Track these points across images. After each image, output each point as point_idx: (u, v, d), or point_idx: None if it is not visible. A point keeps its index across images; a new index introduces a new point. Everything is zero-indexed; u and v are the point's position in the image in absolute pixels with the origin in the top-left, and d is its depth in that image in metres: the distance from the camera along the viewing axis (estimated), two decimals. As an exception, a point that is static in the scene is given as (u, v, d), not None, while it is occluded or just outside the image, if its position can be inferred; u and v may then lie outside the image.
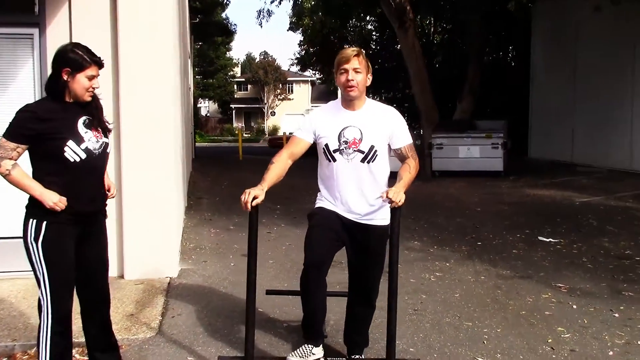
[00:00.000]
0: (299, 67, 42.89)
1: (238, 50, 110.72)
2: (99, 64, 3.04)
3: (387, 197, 3.12)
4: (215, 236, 7.55)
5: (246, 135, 28.74)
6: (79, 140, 3.00)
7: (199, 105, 54.48)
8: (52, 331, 3.02)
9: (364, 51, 3.50)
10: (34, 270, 3.03)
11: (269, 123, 57.54)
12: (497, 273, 5.88)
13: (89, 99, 3.06)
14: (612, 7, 13.86)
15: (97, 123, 3.11)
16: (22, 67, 5.32)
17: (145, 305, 4.65)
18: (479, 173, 15.28)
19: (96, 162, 3.08)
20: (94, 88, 3.04)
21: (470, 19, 20.56)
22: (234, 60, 61.41)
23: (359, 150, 3.38)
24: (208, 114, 62.72)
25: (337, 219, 3.42)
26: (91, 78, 3.01)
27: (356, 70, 3.35)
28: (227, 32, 34.67)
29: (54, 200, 2.95)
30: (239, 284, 5.38)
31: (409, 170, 3.39)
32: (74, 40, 5.09)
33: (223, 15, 35.50)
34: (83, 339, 3.45)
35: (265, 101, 57.45)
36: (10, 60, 5.31)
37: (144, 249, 5.30)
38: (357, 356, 3.62)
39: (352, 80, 3.34)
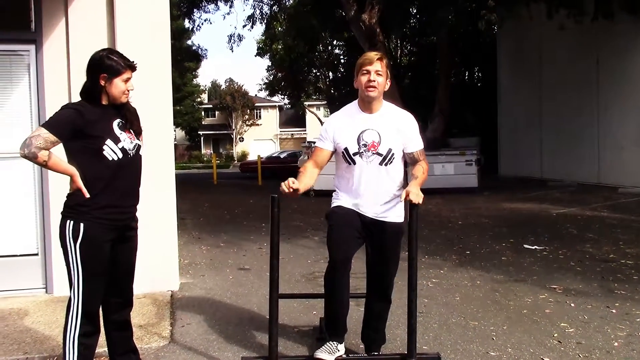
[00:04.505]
0: (267, 92, 43.10)
1: (202, 78, 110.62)
2: (133, 68, 3.14)
3: (408, 198, 3.22)
4: (208, 253, 7.55)
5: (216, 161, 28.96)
6: (115, 139, 3.08)
7: (166, 133, 53.93)
8: (80, 332, 3.05)
9: (386, 57, 3.59)
10: (68, 269, 3.05)
11: (238, 149, 57.47)
12: (491, 278, 6.01)
13: (126, 100, 3.17)
14: (574, 24, 14.41)
15: (130, 125, 3.20)
16: (17, 85, 5.30)
17: (153, 317, 4.64)
18: (453, 190, 15.54)
19: (131, 162, 3.16)
20: (129, 90, 3.14)
21: (439, 40, 21.04)
22: (201, 87, 61.36)
23: (378, 153, 3.47)
24: (175, 142, 62.32)
25: (355, 216, 3.51)
26: (126, 81, 3.11)
27: (378, 72, 3.43)
28: (197, 58, 34.72)
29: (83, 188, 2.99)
30: (241, 295, 5.42)
31: (422, 172, 3.51)
32: (72, 55, 5.19)
33: (189, 42, 35.65)
34: (103, 349, 3.47)
35: (234, 127, 57.44)
36: (5, 77, 5.29)
37: (144, 263, 5.26)
38: (376, 353, 3.69)
39: (374, 81, 3.42)
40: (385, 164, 3.49)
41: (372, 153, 3.47)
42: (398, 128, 3.53)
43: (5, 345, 4.01)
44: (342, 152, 3.52)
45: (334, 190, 3.70)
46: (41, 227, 5.31)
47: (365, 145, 3.47)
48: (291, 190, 3.25)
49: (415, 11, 25.46)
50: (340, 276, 3.41)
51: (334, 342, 3.50)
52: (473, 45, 25.36)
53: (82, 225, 3.00)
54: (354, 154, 3.48)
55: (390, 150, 3.48)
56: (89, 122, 3.00)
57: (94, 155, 3.02)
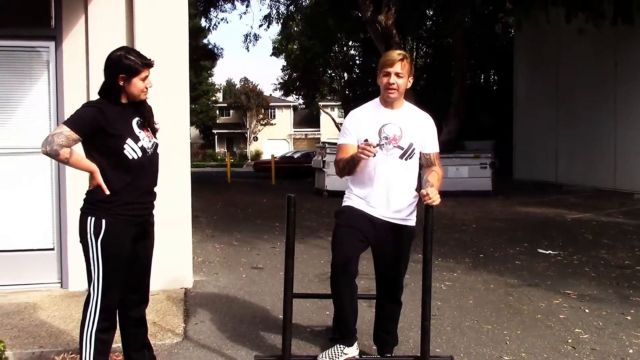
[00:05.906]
0: (282, 92, 43.15)
1: (218, 77, 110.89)
2: (150, 65, 3.16)
3: (426, 194, 3.22)
4: (221, 251, 7.58)
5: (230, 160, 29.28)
6: (135, 139, 3.10)
7: (180, 131, 54.31)
8: (97, 327, 3.08)
9: (409, 55, 3.60)
10: (88, 265, 3.07)
11: (252, 148, 57.63)
12: (505, 282, 5.99)
13: (145, 97, 3.20)
14: (592, 28, 14.30)
15: (148, 123, 3.22)
16: (36, 81, 5.34)
17: (167, 314, 4.67)
18: (467, 193, 15.46)
19: (150, 160, 3.19)
20: (147, 87, 3.16)
21: (454, 42, 20.96)
22: (216, 86, 61.53)
23: (399, 146, 3.47)
24: (190, 140, 62.58)
25: (364, 219, 3.49)
26: (144, 79, 3.13)
27: (398, 74, 3.44)
28: (213, 57, 34.84)
29: (103, 185, 3.02)
30: (254, 293, 5.43)
31: (437, 179, 3.51)
32: (91, 52, 5.23)
33: (205, 41, 35.76)
34: (118, 344, 3.49)
35: (248, 126, 57.59)
36: (25, 73, 5.34)
37: (159, 260, 5.27)
38: (388, 355, 3.69)
39: (393, 84, 3.44)
40: (406, 159, 3.49)
41: (393, 146, 3.47)
42: (418, 126, 3.55)
43: (21, 339, 4.05)
44: None
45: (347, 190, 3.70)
46: (57, 222, 5.35)
47: (386, 138, 3.47)
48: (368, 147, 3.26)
49: (431, 13, 25.42)
50: (342, 279, 3.41)
51: (341, 346, 3.52)
52: (489, 48, 25.24)
53: (104, 221, 3.03)
54: (375, 146, 3.46)
55: (411, 144, 3.49)
56: (110, 120, 3.02)
57: (115, 154, 3.04)
